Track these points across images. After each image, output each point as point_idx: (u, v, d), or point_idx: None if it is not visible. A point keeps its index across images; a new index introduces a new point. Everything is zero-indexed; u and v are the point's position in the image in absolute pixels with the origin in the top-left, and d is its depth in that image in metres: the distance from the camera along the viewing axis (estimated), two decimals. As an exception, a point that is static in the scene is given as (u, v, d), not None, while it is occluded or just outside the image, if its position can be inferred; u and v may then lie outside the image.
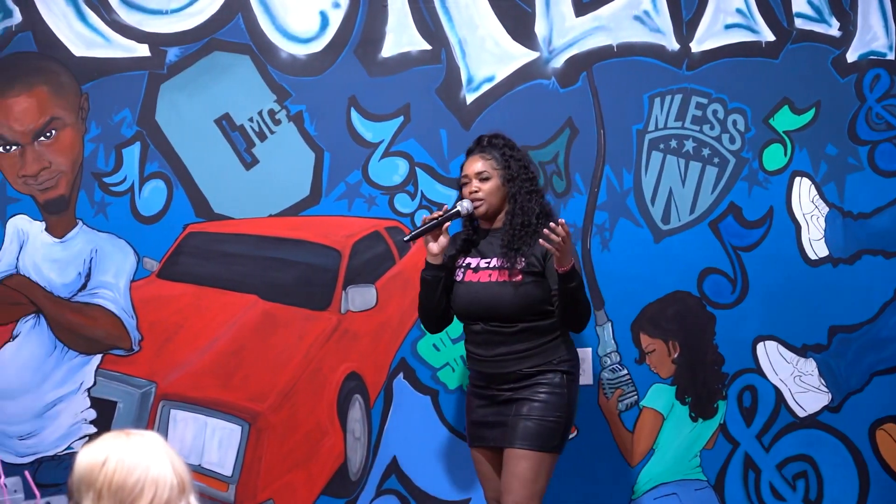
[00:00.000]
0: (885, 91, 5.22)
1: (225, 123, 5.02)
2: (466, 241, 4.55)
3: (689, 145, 5.18)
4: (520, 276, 4.36)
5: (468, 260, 4.50)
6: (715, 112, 5.18)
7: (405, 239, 4.44)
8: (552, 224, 4.20)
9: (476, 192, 4.47)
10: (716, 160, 5.18)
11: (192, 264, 5.03)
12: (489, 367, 4.43)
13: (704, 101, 5.18)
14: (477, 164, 4.50)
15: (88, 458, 2.51)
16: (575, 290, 4.28)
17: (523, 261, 4.37)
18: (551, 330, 4.39)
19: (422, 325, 4.65)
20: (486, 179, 4.47)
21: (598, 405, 5.15)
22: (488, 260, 4.44)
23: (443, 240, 4.45)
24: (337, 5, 5.07)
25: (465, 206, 4.48)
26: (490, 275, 4.41)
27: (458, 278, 4.48)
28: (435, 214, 4.43)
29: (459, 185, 4.56)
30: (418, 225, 4.45)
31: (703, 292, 5.18)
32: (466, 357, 4.55)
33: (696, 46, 5.17)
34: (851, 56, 5.22)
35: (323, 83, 5.05)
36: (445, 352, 5.11)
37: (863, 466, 5.22)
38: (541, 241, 4.19)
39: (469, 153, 4.56)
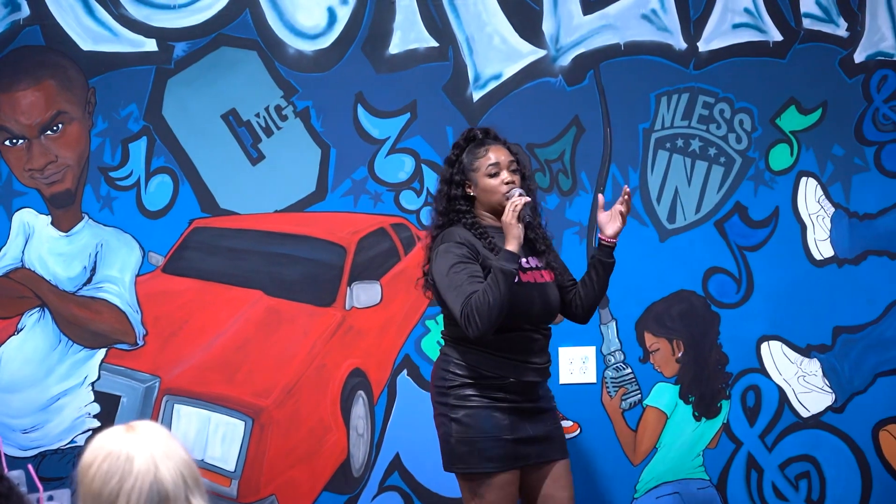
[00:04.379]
0: (892, 92, 5.44)
1: (231, 119, 5.25)
2: (491, 242, 4.34)
3: (695, 144, 5.42)
4: (553, 273, 4.48)
5: None
6: (721, 111, 5.42)
7: (525, 221, 4.23)
8: (626, 188, 4.44)
9: (512, 181, 4.35)
10: (722, 159, 5.42)
11: (198, 259, 5.26)
12: (539, 374, 4.38)
13: (711, 100, 5.41)
14: (505, 154, 4.41)
15: (84, 456, 2.54)
16: (612, 265, 4.49)
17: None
18: None
19: (479, 324, 4.17)
20: (515, 172, 4.39)
21: (602, 403, 5.39)
22: (526, 259, 4.38)
23: None
24: (345, 2, 5.30)
25: (519, 190, 4.34)
26: (542, 274, 4.41)
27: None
28: (522, 198, 4.26)
29: (469, 181, 4.40)
30: (518, 205, 4.24)
31: (707, 292, 5.42)
32: (505, 368, 4.31)
33: (703, 45, 5.41)
34: (859, 56, 5.44)
35: (330, 79, 5.29)
36: (450, 349, 5.34)
37: (865, 467, 5.44)
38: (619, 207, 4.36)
39: (481, 144, 4.42)
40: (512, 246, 4.19)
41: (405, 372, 5.35)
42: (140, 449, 2.54)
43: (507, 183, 4.34)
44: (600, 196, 4.54)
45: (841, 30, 5.44)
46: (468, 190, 4.43)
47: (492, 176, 4.37)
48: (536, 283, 4.36)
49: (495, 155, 4.39)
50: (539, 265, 4.43)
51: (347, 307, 5.32)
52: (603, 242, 4.46)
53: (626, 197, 4.43)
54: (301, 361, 5.29)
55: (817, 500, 5.46)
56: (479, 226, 4.39)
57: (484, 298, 4.14)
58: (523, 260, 4.32)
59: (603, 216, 4.48)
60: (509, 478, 4.30)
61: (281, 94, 5.28)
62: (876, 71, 5.44)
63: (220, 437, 5.23)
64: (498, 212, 4.35)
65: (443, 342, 4.48)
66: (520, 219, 4.20)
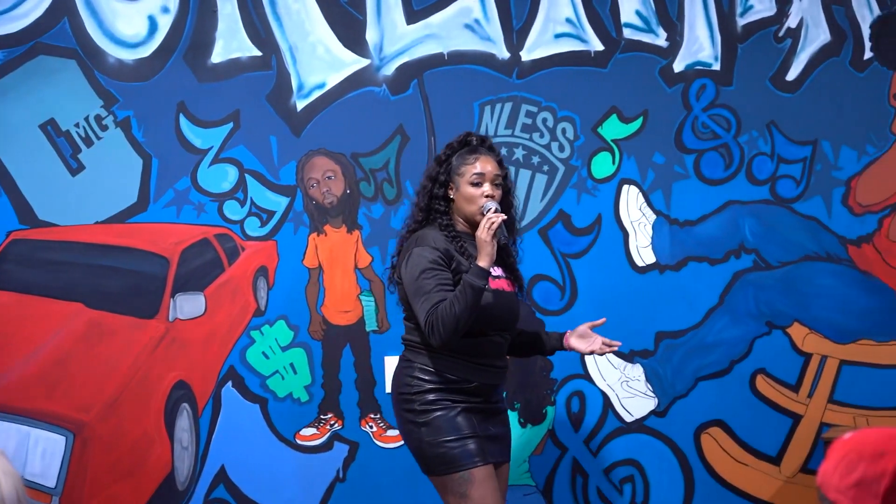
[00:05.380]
0: (710, 101, 5.57)
1: (50, 129, 5.22)
2: (463, 247, 4.43)
3: (518, 153, 5.51)
4: (516, 286, 4.61)
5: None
6: (545, 120, 5.52)
7: (500, 241, 4.30)
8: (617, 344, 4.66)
9: (492, 195, 4.42)
10: (545, 168, 5.52)
11: (16, 272, 5.23)
12: (500, 377, 4.50)
13: (534, 109, 5.51)
14: (493, 167, 4.47)
15: None
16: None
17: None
18: None
19: (442, 334, 4.25)
20: (498, 186, 4.47)
21: (428, 412, 5.45)
22: (495, 268, 4.47)
23: None
24: (166, 10, 5.31)
25: (495, 206, 4.40)
26: (510, 283, 4.55)
27: None
28: (498, 215, 4.30)
29: (453, 183, 4.47)
30: (494, 221, 4.28)
31: (532, 299, 5.51)
32: (470, 371, 4.40)
33: (526, 55, 5.51)
34: (678, 66, 5.57)
35: (151, 89, 5.31)
36: (275, 360, 5.38)
37: (688, 470, 5.57)
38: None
39: (473, 151, 4.49)
40: (484, 262, 4.26)
41: (230, 383, 5.36)
42: None
43: (486, 196, 4.42)
44: (602, 320, 4.70)
45: (660, 39, 5.56)
46: (450, 191, 4.50)
47: (474, 185, 4.44)
48: (503, 292, 4.47)
49: (482, 165, 4.46)
50: (504, 274, 4.55)
51: (171, 319, 5.32)
52: (562, 347, 4.68)
53: (614, 347, 4.61)
54: (124, 374, 5.27)
55: (641, 503, 5.57)
56: (453, 229, 4.47)
57: (450, 310, 4.23)
58: (493, 269, 4.42)
59: (584, 332, 4.63)
60: (490, 471, 4.38)
61: (101, 103, 5.27)
62: (695, 80, 5.56)
63: (39, 452, 5.19)
64: (470, 221, 4.46)
65: (403, 347, 4.54)
66: (495, 236, 4.27)
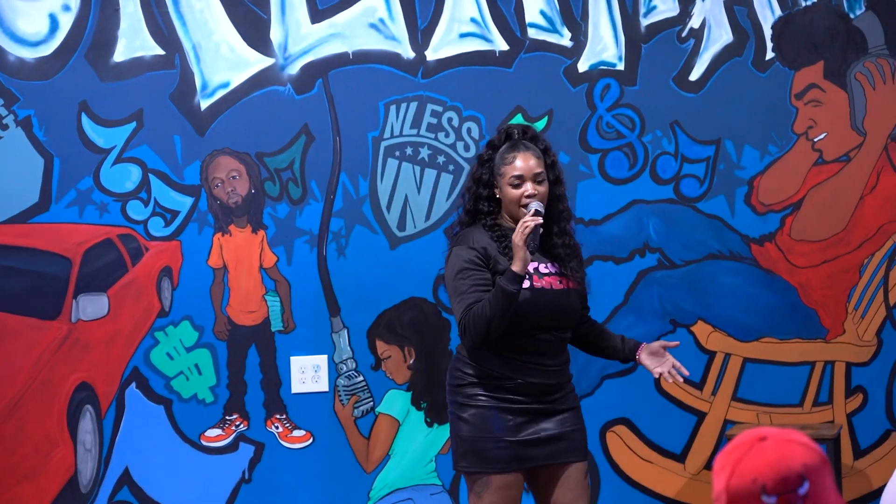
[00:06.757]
0: (615, 100, 5.65)
1: (-52, 128, 5.22)
2: (506, 247, 4.32)
3: (424, 153, 5.57)
4: (574, 281, 4.46)
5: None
6: (450, 120, 5.58)
7: (532, 249, 4.17)
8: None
9: (534, 194, 4.32)
10: (451, 167, 5.58)
11: (-87, 274, 5.22)
12: (553, 376, 4.39)
13: (439, 108, 5.57)
14: (534, 163, 4.37)
15: None
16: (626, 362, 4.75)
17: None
18: None
19: (474, 337, 4.26)
20: (542, 182, 4.37)
21: (334, 412, 5.51)
22: (545, 265, 4.40)
23: None
24: (67, 8, 5.32)
25: (538, 207, 4.30)
26: (560, 280, 4.40)
27: (526, 284, 4.27)
28: (534, 219, 4.19)
29: (496, 183, 4.40)
30: (529, 232, 4.16)
31: (438, 298, 5.57)
32: (513, 369, 4.33)
33: (431, 54, 5.56)
34: (583, 66, 5.65)
35: (52, 87, 5.33)
36: (179, 360, 5.41)
37: (594, 468, 5.65)
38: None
39: (513, 147, 4.40)
40: (517, 266, 4.18)
41: (134, 384, 5.39)
42: None
43: (528, 195, 4.32)
44: (676, 343, 4.61)
45: (565, 39, 5.63)
46: (495, 191, 4.42)
47: (514, 186, 4.35)
48: (551, 290, 4.37)
49: (522, 164, 4.35)
50: (556, 271, 4.42)
51: (74, 320, 5.33)
52: (635, 359, 4.56)
53: (682, 375, 4.51)
54: (26, 376, 5.28)
55: (547, 501, 5.64)
56: (500, 228, 4.39)
57: (482, 313, 4.21)
58: (541, 265, 4.36)
59: (656, 350, 4.53)
60: (510, 480, 4.32)
61: (1, 102, 5.28)
62: (599, 80, 5.64)
63: (-60, 455, 5.19)
64: (518, 220, 4.29)
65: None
66: (526, 243, 4.17)
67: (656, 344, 4.55)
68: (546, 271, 4.39)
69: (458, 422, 4.38)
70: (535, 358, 4.35)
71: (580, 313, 4.54)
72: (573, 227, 4.58)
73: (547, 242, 4.40)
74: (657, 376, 4.52)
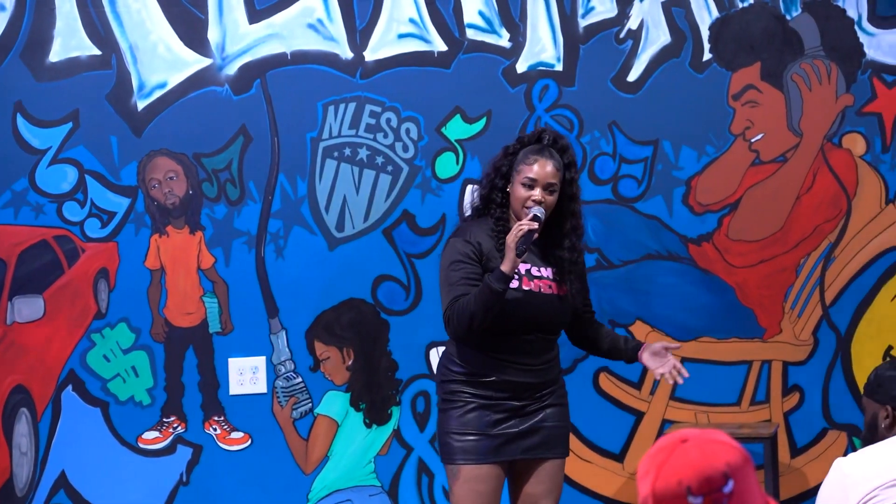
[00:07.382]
0: (553, 101, 5.68)
1: None
2: (502, 242, 4.34)
3: (362, 153, 5.58)
4: (567, 290, 4.50)
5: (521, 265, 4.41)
6: (388, 120, 5.59)
7: (521, 252, 4.20)
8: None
9: (540, 202, 4.36)
10: (389, 168, 5.59)
11: None
12: (534, 375, 4.44)
13: (378, 109, 5.58)
14: (551, 172, 4.40)
15: None
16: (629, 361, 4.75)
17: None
18: None
19: (455, 330, 4.36)
20: (552, 193, 4.40)
21: (273, 413, 5.51)
22: (539, 268, 4.46)
23: None
24: (2, 7, 5.30)
25: (538, 213, 4.35)
26: (550, 286, 4.45)
27: (514, 285, 4.34)
28: (530, 223, 4.26)
29: (513, 175, 4.44)
30: (522, 236, 4.21)
31: (377, 299, 5.58)
32: (491, 366, 4.40)
33: (369, 55, 5.57)
34: (521, 67, 5.67)
35: (-13, 88, 5.30)
36: (116, 363, 5.40)
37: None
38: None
39: (539, 152, 4.44)
40: (505, 266, 4.23)
41: (70, 387, 5.37)
42: None
43: (534, 200, 4.36)
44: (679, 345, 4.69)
45: (504, 40, 5.65)
46: (508, 185, 4.47)
47: (525, 187, 4.38)
48: (539, 293, 4.43)
49: (539, 169, 4.38)
50: (551, 276, 4.47)
51: (9, 322, 5.31)
52: (637, 357, 4.59)
53: (682, 377, 4.52)
54: (-40, 379, 5.25)
55: (487, 501, 5.67)
56: (503, 223, 4.44)
57: (466, 307, 4.29)
58: (535, 268, 4.43)
59: (658, 351, 4.55)
60: (481, 473, 4.39)
61: (-66, 103, 5.25)
62: (538, 80, 5.66)
63: None
64: (519, 218, 4.37)
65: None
66: (516, 245, 4.21)
67: (658, 344, 4.60)
68: (538, 274, 4.45)
69: (441, 414, 4.50)
70: (517, 357, 4.41)
71: (568, 321, 4.57)
72: (583, 246, 4.67)
73: (552, 252, 4.48)
74: (658, 377, 4.56)
